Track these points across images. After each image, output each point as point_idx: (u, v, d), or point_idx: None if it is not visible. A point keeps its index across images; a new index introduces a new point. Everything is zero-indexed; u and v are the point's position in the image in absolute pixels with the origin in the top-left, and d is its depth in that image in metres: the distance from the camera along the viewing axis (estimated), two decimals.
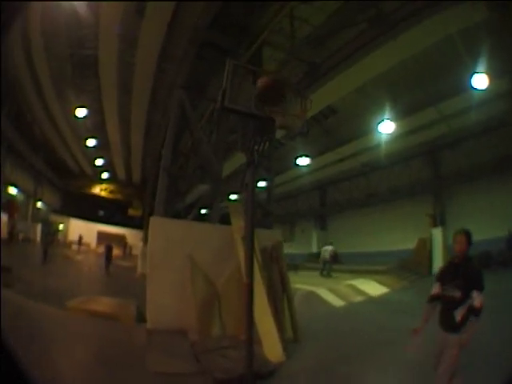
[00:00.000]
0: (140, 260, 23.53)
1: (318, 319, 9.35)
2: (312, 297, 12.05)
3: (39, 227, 33.32)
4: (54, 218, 38.73)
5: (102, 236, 41.44)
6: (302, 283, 13.00)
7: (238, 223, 7.89)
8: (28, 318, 7.45)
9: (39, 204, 36.16)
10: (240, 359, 5.80)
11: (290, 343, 7.05)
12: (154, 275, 7.94)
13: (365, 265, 18.67)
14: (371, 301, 12.22)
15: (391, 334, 7.73)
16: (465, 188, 16.73)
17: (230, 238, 7.99)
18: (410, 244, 17.67)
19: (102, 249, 35.85)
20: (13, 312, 7.16)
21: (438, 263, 15.70)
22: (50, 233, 32.33)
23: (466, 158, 16.34)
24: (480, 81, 11.30)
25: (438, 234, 16.85)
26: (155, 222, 8.54)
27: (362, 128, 16.05)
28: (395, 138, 15.60)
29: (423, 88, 13.25)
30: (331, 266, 18.14)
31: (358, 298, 12.47)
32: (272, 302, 6.96)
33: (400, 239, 18.95)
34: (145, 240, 24.48)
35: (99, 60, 16.77)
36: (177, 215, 12.21)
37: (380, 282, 14.49)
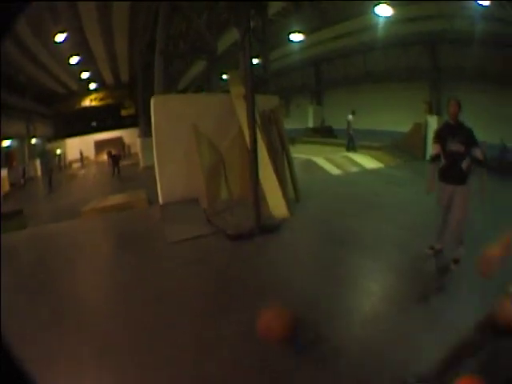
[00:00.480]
0: (141, 154, 23.97)
1: (316, 183, 9.90)
2: (310, 164, 12.60)
3: (38, 162, 33.77)
4: (50, 146, 38.77)
5: (98, 144, 41.64)
6: (299, 153, 13.26)
7: (237, 89, 7.97)
8: (52, 240, 7.97)
9: (33, 140, 35.97)
10: (248, 216, 6.38)
11: (292, 202, 7.51)
12: (160, 150, 8.23)
13: (359, 141, 18.46)
14: (366, 172, 12.73)
15: (385, 199, 8.41)
16: (464, 86, 15.75)
17: (230, 105, 8.08)
18: (403, 127, 17.65)
19: (102, 157, 36.54)
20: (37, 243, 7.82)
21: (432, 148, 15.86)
22: (49, 161, 32.75)
23: (467, 58, 15.89)
24: None
25: (433, 121, 16.52)
26: (157, 100, 8.54)
27: (358, 9, 15.40)
28: (394, 22, 15.11)
29: None
30: (353, 139, 17.52)
31: (354, 169, 12.96)
32: (273, 162, 7.28)
33: (394, 121, 18.99)
34: (142, 135, 24.62)
35: None
36: None
37: (374, 157, 14.95)
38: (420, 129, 16.76)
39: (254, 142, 6.33)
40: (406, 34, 17.04)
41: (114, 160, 22.13)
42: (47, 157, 35.19)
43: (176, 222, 7.00)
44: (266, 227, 6.19)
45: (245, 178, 7.65)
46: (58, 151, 38.76)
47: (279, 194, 7.07)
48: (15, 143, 32.33)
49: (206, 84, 10.40)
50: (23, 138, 33.76)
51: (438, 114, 16.61)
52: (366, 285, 4.41)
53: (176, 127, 8.07)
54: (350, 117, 17.51)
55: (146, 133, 23.64)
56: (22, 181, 27.53)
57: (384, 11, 13.98)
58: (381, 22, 15.17)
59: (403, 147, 16.57)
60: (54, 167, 32.18)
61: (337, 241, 5.69)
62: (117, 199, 10.95)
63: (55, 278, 5.49)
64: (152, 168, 18.41)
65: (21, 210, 11.19)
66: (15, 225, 9.86)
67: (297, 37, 17.91)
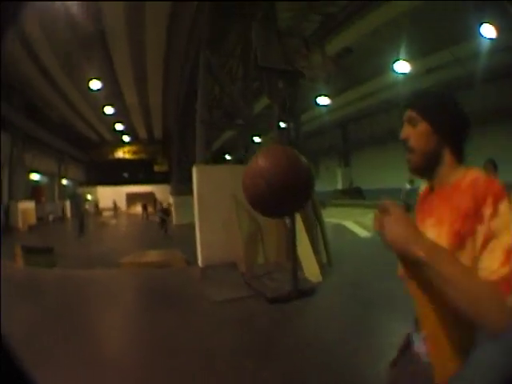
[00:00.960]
0: (174, 212, 24.12)
1: (347, 247, 10.20)
2: (340, 228, 12.87)
3: (68, 204, 34.88)
4: (81, 190, 40.02)
5: (130, 197, 42.90)
6: (329, 217, 13.49)
7: None
8: (86, 284, 8.45)
9: (64, 181, 37.18)
10: (284, 280, 6.76)
11: (325, 266, 7.85)
12: (202, 216, 8.83)
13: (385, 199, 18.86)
14: None
15: None
16: (480, 131, 16.36)
17: None
18: None
19: (134, 209, 37.63)
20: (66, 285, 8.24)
21: None
22: (82, 205, 33.29)
23: (480, 100, 15.79)
24: (488, 30, 11.62)
25: None
26: (199, 169, 9.23)
27: (378, 67, 16.16)
28: (412, 76, 15.60)
29: (435, 32, 13.29)
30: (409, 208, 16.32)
31: None
32: (307, 229, 7.67)
33: None
34: (175, 193, 25.53)
35: (106, 33, 16.75)
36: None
37: None
38: None
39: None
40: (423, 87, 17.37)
41: (165, 214, 20.85)
42: (78, 200, 36.01)
43: (216, 283, 7.40)
44: (303, 291, 6.49)
45: (280, 245, 8.22)
46: (89, 197, 39.97)
47: (313, 259, 7.43)
48: (45, 180, 33.32)
49: (243, 152, 10.85)
50: (53, 177, 35.09)
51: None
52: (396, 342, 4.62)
53: (217, 196, 8.73)
54: (408, 186, 16.83)
55: (179, 191, 24.70)
56: (52, 217, 29.24)
57: (402, 67, 14.64)
58: (400, 78, 15.73)
59: None
60: (85, 212, 32.72)
61: (367, 303, 5.96)
62: (155, 256, 11.28)
63: (83, 323, 5.74)
64: (184, 226, 18.54)
65: (51, 248, 11.26)
66: (45, 262, 10.18)
67: (324, 100, 18.60)
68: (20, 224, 23.88)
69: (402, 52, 13.96)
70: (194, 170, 9.19)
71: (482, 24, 11.59)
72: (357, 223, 13.82)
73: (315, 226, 8.28)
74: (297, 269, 6.76)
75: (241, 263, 8.21)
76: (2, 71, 18.67)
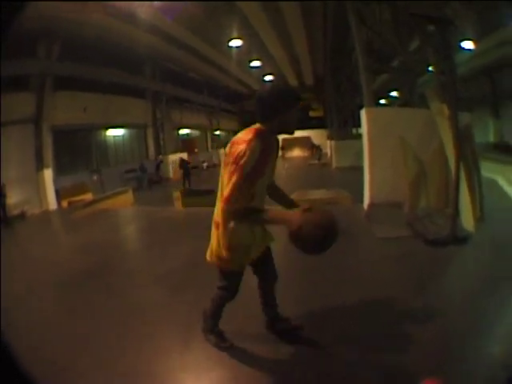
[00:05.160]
0: (334, 156, 25.14)
1: (497, 203, 9.78)
2: (490, 183, 11.94)
3: (221, 152, 36.99)
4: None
5: (287, 142, 42.77)
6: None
7: (437, 106, 8.36)
8: None
9: (217, 132, 40.30)
10: (444, 225, 7.24)
11: (478, 220, 7.62)
12: (373, 155, 9.33)
13: None
14: None
15: None
16: None
17: (431, 121, 8.41)
18: None
19: (290, 154, 40.22)
20: None
21: None
22: None
23: None
24: None
25: None
26: (369, 111, 9.54)
27: None
28: None
29: None
30: None
31: None
32: (467, 179, 7.64)
33: None
34: (335, 137, 26.42)
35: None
36: None
37: None
38: None
39: (458, 159, 7.24)
40: None
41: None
42: None
43: (380, 221, 8.14)
44: (459, 238, 6.85)
45: (441, 191, 8.51)
46: None
47: (470, 209, 7.52)
48: (196, 133, 37.07)
49: (409, 99, 11.08)
50: (205, 129, 38.90)
51: None
52: None
53: (385, 136, 9.10)
54: None
55: (339, 136, 25.85)
56: (205, 165, 32.72)
57: None
58: None
59: None
60: None
61: None
62: (321, 194, 11.90)
63: None
64: (343, 169, 19.51)
65: (212, 190, 11.44)
66: (205, 202, 10.77)
67: (468, 44, 17.60)
68: (171, 174, 28.08)
69: None
70: (364, 113, 9.48)
71: None
72: (508, 180, 13.01)
73: (474, 178, 8.03)
74: (456, 215, 7.20)
75: (405, 204, 8.70)
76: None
